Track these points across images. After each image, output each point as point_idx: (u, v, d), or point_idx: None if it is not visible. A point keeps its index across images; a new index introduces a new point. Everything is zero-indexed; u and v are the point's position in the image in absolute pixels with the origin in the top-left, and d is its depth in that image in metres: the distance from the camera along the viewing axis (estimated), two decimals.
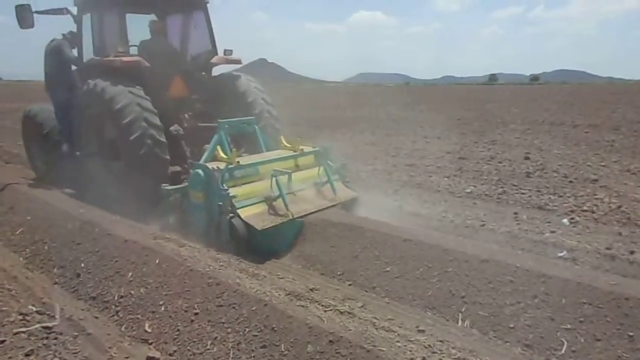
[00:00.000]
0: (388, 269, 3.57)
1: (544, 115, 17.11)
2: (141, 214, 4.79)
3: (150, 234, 4.27)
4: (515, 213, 5.20)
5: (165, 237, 4.22)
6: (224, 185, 4.15)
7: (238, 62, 6.38)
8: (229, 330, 2.79)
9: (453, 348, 2.54)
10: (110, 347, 2.77)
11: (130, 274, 3.54)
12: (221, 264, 3.67)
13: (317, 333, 2.58)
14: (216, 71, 6.53)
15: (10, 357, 2.56)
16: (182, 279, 3.34)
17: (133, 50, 5.92)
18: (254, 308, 2.88)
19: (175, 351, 2.74)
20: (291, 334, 2.63)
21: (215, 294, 3.09)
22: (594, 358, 2.58)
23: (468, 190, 6.27)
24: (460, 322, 2.97)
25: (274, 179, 4.29)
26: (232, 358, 2.59)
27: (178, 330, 2.87)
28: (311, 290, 3.28)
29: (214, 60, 6.21)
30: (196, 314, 2.97)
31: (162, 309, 3.08)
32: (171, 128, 5.55)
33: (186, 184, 4.64)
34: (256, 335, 2.69)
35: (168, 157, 5.12)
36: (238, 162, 4.40)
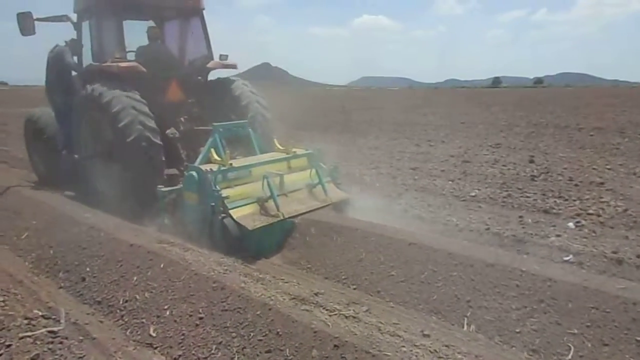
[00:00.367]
0: (393, 273, 3.56)
1: (548, 118, 17.04)
2: (137, 215, 4.87)
3: (155, 238, 4.29)
4: (520, 217, 5.18)
5: (169, 241, 4.23)
6: (217, 186, 4.25)
7: (233, 66, 6.55)
8: (234, 334, 2.78)
9: (459, 353, 2.52)
10: (115, 352, 2.77)
11: (135, 278, 3.54)
12: (226, 268, 3.67)
13: (322, 337, 2.58)
14: (213, 75, 6.69)
15: None
16: (187, 283, 3.35)
17: (131, 55, 6.04)
18: (258, 312, 2.88)
19: (180, 356, 2.74)
20: (296, 338, 2.63)
21: (220, 298, 3.09)
22: None
23: (472, 194, 6.25)
24: (465, 326, 2.95)
25: (265, 180, 4.40)
26: None
27: (183, 334, 2.87)
28: (316, 294, 3.27)
29: (209, 65, 6.37)
30: (201, 318, 2.97)
31: (167, 313, 3.08)
32: (167, 131, 5.70)
33: (181, 185, 4.74)
34: (261, 340, 2.69)
35: (164, 159, 5.22)
36: (231, 164, 4.50)
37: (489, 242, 4.47)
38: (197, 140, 5.45)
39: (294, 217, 4.41)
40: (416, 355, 2.46)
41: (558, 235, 4.50)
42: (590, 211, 5.28)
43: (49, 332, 2.86)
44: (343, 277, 3.69)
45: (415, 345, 2.58)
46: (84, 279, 3.71)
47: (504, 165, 8.20)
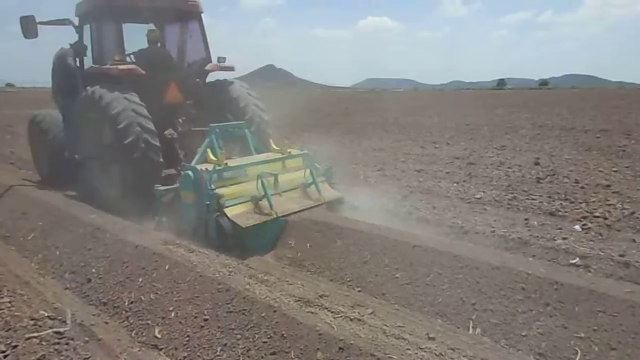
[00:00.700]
0: (398, 275, 3.55)
1: (553, 120, 16.97)
2: (136, 214, 4.97)
3: (160, 240, 4.30)
4: (526, 219, 5.15)
5: (175, 242, 4.24)
6: (212, 185, 4.37)
7: (231, 69, 6.67)
8: (239, 336, 2.78)
9: (464, 356, 2.51)
10: (120, 353, 2.79)
11: (140, 279, 3.56)
12: (231, 269, 3.67)
13: (327, 340, 2.57)
14: (216, 77, 6.82)
15: None
16: (192, 284, 3.35)
17: (132, 58, 6.20)
18: (263, 314, 2.88)
19: (185, 357, 2.75)
20: (301, 340, 2.62)
21: (225, 300, 3.10)
22: None
23: (478, 196, 6.22)
24: (471, 329, 2.94)
25: (259, 180, 4.50)
26: None
27: (188, 336, 2.88)
28: (321, 296, 3.26)
29: (208, 67, 6.50)
30: (206, 320, 2.97)
31: (172, 314, 3.09)
32: (165, 132, 5.84)
33: (178, 184, 4.82)
34: (266, 342, 2.69)
35: (161, 160, 5.34)
36: (226, 164, 4.64)
37: (494, 245, 4.44)
38: (195, 141, 5.54)
39: (287, 216, 4.53)
40: (421, 359, 2.45)
41: (564, 238, 4.47)
42: (597, 214, 5.24)
43: (55, 333, 2.88)
44: (348, 279, 3.69)
45: (421, 348, 2.57)
46: (89, 280, 3.73)
47: (509, 168, 8.16)
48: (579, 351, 2.64)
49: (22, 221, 5.26)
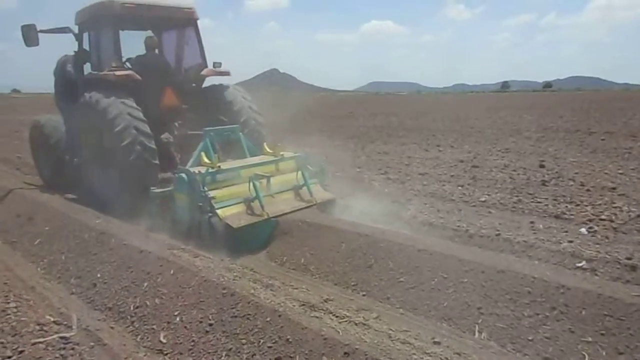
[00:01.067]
0: (402, 279, 3.54)
1: (558, 123, 16.89)
2: (133, 215, 5.09)
3: (165, 245, 4.31)
4: (532, 222, 5.12)
5: (180, 247, 4.25)
6: (205, 187, 4.49)
7: (227, 73, 6.84)
8: (244, 341, 2.78)
9: None
10: (126, 358, 2.79)
11: (145, 284, 3.57)
12: (235, 274, 3.68)
13: (332, 344, 2.56)
14: (214, 82, 7.01)
15: None
16: (197, 289, 3.36)
17: (130, 64, 6.36)
18: (268, 319, 2.88)
19: None
20: (306, 345, 2.62)
21: (229, 305, 3.10)
22: None
23: (482, 199, 6.20)
24: (477, 334, 2.92)
25: (251, 182, 4.66)
26: None
27: (193, 341, 2.88)
28: (325, 300, 3.25)
29: (203, 72, 6.67)
30: (211, 324, 2.97)
31: (177, 319, 3.09)
32: (162, 136, 6.00)
33: (172, 187, 4.93)
34: (271, 347, 2.69)
35: (157, 162, 5.47)
36: (219, 166, 4.77)
37: (500, 248, 4.42)
38: (191, 145, 5.66)
39: (278, 217, 4.66)
40: None
41: (570, 241, 4.44)
42: (603, 216, 5.20)
43: (61, 338, 2.88)
44: (352, 283, 3.68)
45: (426, 353, 2.56)
46: (95, 285, 3.75)
47: (514, 170, 8.13)
48: (587, 355, 2.62)
49: (28, 226, 5.29)
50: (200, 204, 4.46)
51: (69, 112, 6.66)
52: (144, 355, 2.84)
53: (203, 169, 4.67)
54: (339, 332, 2.73)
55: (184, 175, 4.69)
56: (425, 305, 3.25)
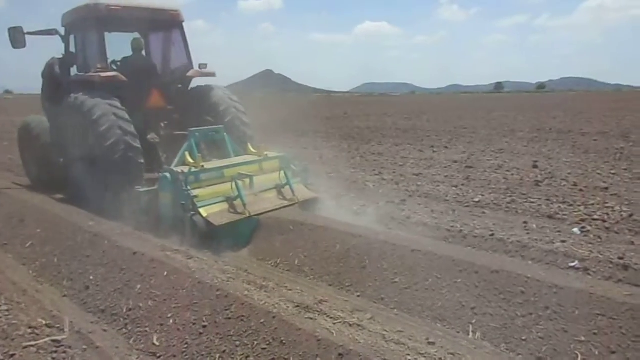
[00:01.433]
0: (397, 280, 3.54)
1: (551, 123, 17.02)
2: (118, 214, 5.14)
3: (159, 246, 4.29)
4: (525, 222, 5.14)
5: (173, 249, 4.23)
6: (188, 186, 4.58)
7: (212, 75, 6.93)
8: (238, 343, 2.77)
9: None
10: None
11: (138, 286, 3.54)
12: (229, 276, 3.67)
13: (326, 346, 2.56)
14: (196, 83, 7.12)
15: None
16: (191, 291, 3.34)
17: (117, 66, 6.49)
18: (262, 320, 2.86)
19: None
20: (300, 347, 2.61)
21: (223, 307, 3.08)
22: None
23: (476, 200, 6.22)
24: (471, 334, 2.93)
25: (234, 181, 4.78)
26: None
27: (186, 343, 2.86)
28: (320, 302, 3.25)
29: (189, 73, 6.75)
30: (204, 326, 2.96)
31: (171, 321, 3.07)
32: (148, 136, 6.10)
33: (156, 186, 5.01)
34: (265, 349, 2.67)
35: (142, 162, 5.55)
36: (202, 166, 4.89)
37: (493, 249, 4.43)
38: (177, 145, 5.70)
39: (260, 215, 4.76)
40: None
41: (563, 241, 4.46)
42: (596, 216, 5.24)
43: (53, 341, 2.86)
44: (347, 284, 3.67)
45: (420, 354, 2.56)
46: (87, 288, 3.71)
47: (507, 171, 8.17)
48: (579, 355, 2.63)
49: (20, 228, 5.24)
50: (183, 202, 4.54)
51: (56, 113, 6.71)
52: (137, 358, 2.82)
53: (186, 169, 4.78)
54: (333, 334, 2.73)
55: (167, 174, 4.78)
56: (419, 306, 3.26)
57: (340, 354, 2.47)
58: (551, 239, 4.56)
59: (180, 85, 6.84)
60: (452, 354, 2.58)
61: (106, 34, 6.27)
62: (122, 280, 3.68)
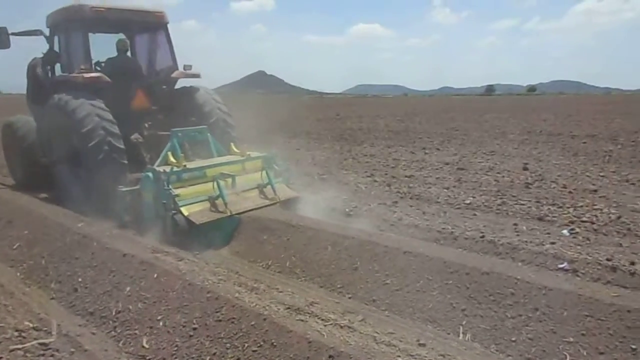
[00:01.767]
0: (388, 281, 3.55)
1: (541, 126, 17.18)
2: (101, 213, 5.20)
3: (149, 248, 4.25)
4: (515, 224, 5.18)
5: (163, 250, 4.20)
6: (169, 185, 4.65)
7: (197, 76, 7.00)
8: (228, 345, 2.75)
9: None
10: None
11: (128, 288, 3.51)
12: (220, 277, 3.65)
13: (317, 348, 2.55)
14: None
15: None
16: (181, 293, 3.31)
17: (102, 66, 6.57)
18: (253, 323, 2.85)
19: None
20: (291, 349, 2.60)
21: (214, 309, 3.06)
22: None
23: (467, 202, 6.25)
24: (461, 335, 2.94)
25: (215, 180, 4.86)
26: None
27: (176, 346, 2.84)
28: (311, 304, 3.24)
29: (174, 75, 6.82)
30: (195, 329, 2.94)
31: (160, 324, 3.05)
32: (132, 137, 6.14)
33: (139, 185, 5.07)
34: (255, 351, 2.66)
35: (126, 162, 5.60)
36: (185, 165, 4.96)
37: (484, 250, 4.46)
38: (161, 145, 5.75)
39: (241, 213, 4.85)
40: None
41: (552, 243, 4.50)
42: (584, 218, 5.30)
43: (40, 344, 2.82)
44: (338, 286, 3.67)
45: (411, 355, 2.57)
46: (76, 290, 3.67)
47: (498, 173, 8.23)
48: (568, 356, 2.66)
49: (7, 230, 5.17)
50: (165, 201, 4.61)
51: (40, 113, 6.73)
52: None
53: (168, 168, 4.84)
54: (324, 336, 2.72)
55: (150, 174, 4.85)
56: (410, 308, 3.27)
57: (331, 356, 2.47)
58: (541, 240, 4.60)
59: (164, 86, 6.90)
60: (442, 355, 2.59)
61: (91, 34, 6.33)
62: (111, 282, 3.65)
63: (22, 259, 4.39)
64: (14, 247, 4.67)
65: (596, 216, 5.38)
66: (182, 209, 4.61)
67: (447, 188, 7.12)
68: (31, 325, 3.04)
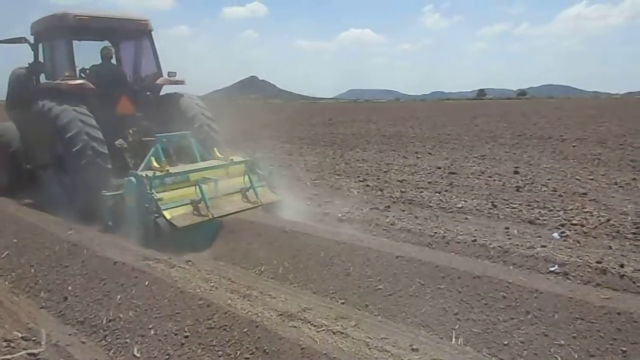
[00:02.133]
0: (380, 286, 3.55)
1: (532, 130, 17.35)
2: (86, 218, 5.31)
3: (140, 255, 4.22)
4: (507, 228, 5.22)
5: (155, 258, 4.16)
6: (152, 190, 4.71)
7: (181, 82, 7.10)
8: (220, 353, 2.73)
9: None
10: None
11: (119, 296, 3.47)
12: (212, 284, 3.62)
13: (309, 354, 2.54)
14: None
15: None
16: (172, 301, 3.28)
17: (86, 73, 6.62)
18: (245, 330, 2.84)
19: None
20: (283, 355, 2.59)
21: (205, 316, 3.04)
22: None
23: (459, 206, 6.29)
24: (454, 339, 2.95)
25: (197, 185, 4.94)
26: None
27: (168, 354, 2.81)
28: (303, 310, 3.23)
29: (158, 81, 6.94)
30: (186, 337, 2.91)
31: (152, 332, 3.02)
32: (116, 142, 6.23)
33: (122, 190, 5.13)
34: (247, 358, 2.65)
35: (110, 167, 5.69)
36: (167, 170, 5.05)
37: (475, 254, 4.48)
38: (144, 151, 5.80)
39: (223, 217, 4.94)
40: None
41: (543, 246, 4.54)
42: (574, 221, 5.34)
43: (29, 354, 2.78)
44: (331, 291, 3.66)
45: None
46: (66, 299, 3.63)
47: (489, 177, 8.29)
48: (559, 358, 2.67)
49: None
50: (147, 205, 4.67)
51: (23, 120, 6.79)
52: None
53: (151, 173, 4.89)
54: (316, 342, 2.71)
55: (132, 178, 4.91)
56: (403, 312, 3.27)
57: None
58: (532, 244, 4.63)
59: (149, 93, 6.98)
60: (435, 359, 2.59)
61: (75, 42, 6.39)
62: (102, 290, 3.61)
63: (10, 268, 4.33)
64: (2, 255, 4.60)
65: (586, 219, 5.43)
66: (165, 213, 4.68)
67: (439, 192, 7.16)
68: (20, 335, 3.00)
